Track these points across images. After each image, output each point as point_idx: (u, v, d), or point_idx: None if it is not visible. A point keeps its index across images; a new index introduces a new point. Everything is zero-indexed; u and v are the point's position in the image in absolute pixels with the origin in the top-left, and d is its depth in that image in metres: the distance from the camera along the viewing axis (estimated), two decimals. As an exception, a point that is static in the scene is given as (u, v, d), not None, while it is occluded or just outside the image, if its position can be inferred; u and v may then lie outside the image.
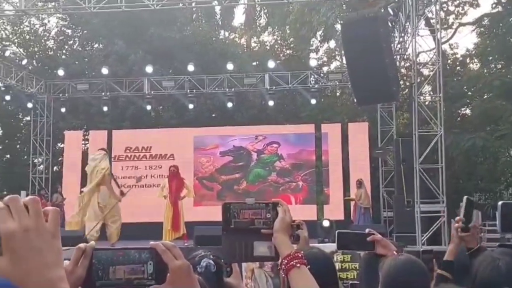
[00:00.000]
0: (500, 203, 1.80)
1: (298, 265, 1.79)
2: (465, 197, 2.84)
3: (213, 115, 21.85)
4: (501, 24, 19.72)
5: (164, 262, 1.29)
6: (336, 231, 2.57)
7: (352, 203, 16.91)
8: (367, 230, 2.55)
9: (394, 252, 2.43)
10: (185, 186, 14.21)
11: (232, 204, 1.86)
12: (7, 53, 19.67)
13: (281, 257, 1.82)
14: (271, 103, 19.21)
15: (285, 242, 1.82)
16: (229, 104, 18.92)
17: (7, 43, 24.31)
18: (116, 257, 1.29)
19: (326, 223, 13.98)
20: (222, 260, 3.05)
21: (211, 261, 2.88)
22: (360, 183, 16.44)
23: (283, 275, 1.84)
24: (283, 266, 1.81)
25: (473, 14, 27.24)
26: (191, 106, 19.17)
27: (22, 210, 1.00)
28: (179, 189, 13.99)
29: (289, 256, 1.80)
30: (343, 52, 17.37)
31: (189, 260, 3.25)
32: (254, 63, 22.99)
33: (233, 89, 18.86)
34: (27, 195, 18.31)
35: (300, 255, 1.81)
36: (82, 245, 1.30)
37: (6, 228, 0.98)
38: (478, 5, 21.88)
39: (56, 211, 1.05)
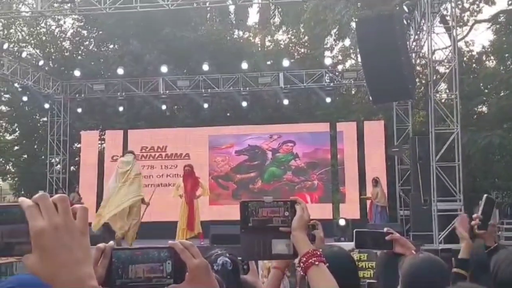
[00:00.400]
0: None
1: (317, 263, 1.78)
2: (484, 195, 2.82)
3: (228, 114, 21.87)
4: (517, 21, 19.54)
5: (182, 261, 1.30)
6: (354, 230, 2.55)
7: (368, 201, 16.85)
8: (385, 229, 2.53)
9: (413, 251, 2.42)
10: (200, 185, 14.21)
11: (250, 202, 1.85)
12: (24, 54, 19.79)
13: (299, 255, 1.81)
14: (286, 102, 19.18)
15: (304, 240, 1.82)
16: (244, 103, 18.94)
17: (24, 44, 24.53)
18: (135, 256, 1.30)
19: (342, 222, 13.98)
20: (239, 258, 3.08)
21: (228, 259, 2.91)
22: (376, 182, 16.36)
23: (302, 273, 1.83)
24: (301, 264, 1.80)
25: (488, 11, 27.00)
26: (206, 105, 19.20)
27: (51, 207, 1.02)
28: (194, 188, 14.00)
29: (307, 254, 1.79)
30: (358, 50, 17.30)
31: (205, 259, 3.29)
32: (269, 62, 22.95)
33: (247, 88, 18.88)
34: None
35: (318, 253, 1.80)
36: (101, 245, 1.30)
37: (36, 226, 0.99)
38: (493, 3, 21.67)
39: (84, 209, 1.07)
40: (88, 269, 1.03)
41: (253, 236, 1.84)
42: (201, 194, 14.23)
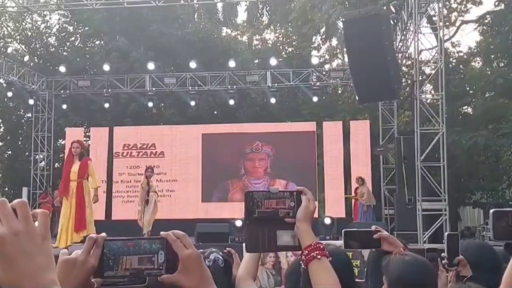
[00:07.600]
0: (491, 211, 1.76)
1: (319, 256, 1.75)
2: (446, 233, 2.86)
3: (215, 112, 21.83)
4: (503, 22, 19.64)
5: (175, 252, 1.29)
6: (343, 231, 2.52)
7: (353, 200, 16.89)
8: (373, 227, 2.51)
9: (401, 248, 2.41)
10: (88, 171, 10.86)
11: (255, 193, 1.81)
12: (9, 50, 19.67)
13: (302, 248, 1.77)
14: (273, 100, 19.17)
15: (307, 231, 1.77)
16: (231, 102, 18.90)
17: (10, 40, 24.31)
18: (127, 247, 1.29)
19: (327, 221, 13.99)
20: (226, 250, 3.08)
21: (220, 256, 2.91)
22: (362, 180, 16.39)
23: (303, 266, 1.80)
24: (303, 257, 1.77)
25: (475, 11, 27.18)
26: (193, 103, 19.15)
27: (11, 214, 0.99)
28: (83, 174, 10.79)
29: (310, 247, 1.76)
30: (345, 50, 17.34)
31: None
32: (256, 61, 22.97)
33: (235, 87, 18.84)
34: (29, 191, 18.38)
35: (321, 247, 1.77)
36: (93, 235, 1.30)
37: None
38: (480, 3, 21.82)
39: (45, 214, 1.04)
40: (51, 275, 1.00)
41: (258, 228, 1.80)
42: (91, 185, 10.82)
